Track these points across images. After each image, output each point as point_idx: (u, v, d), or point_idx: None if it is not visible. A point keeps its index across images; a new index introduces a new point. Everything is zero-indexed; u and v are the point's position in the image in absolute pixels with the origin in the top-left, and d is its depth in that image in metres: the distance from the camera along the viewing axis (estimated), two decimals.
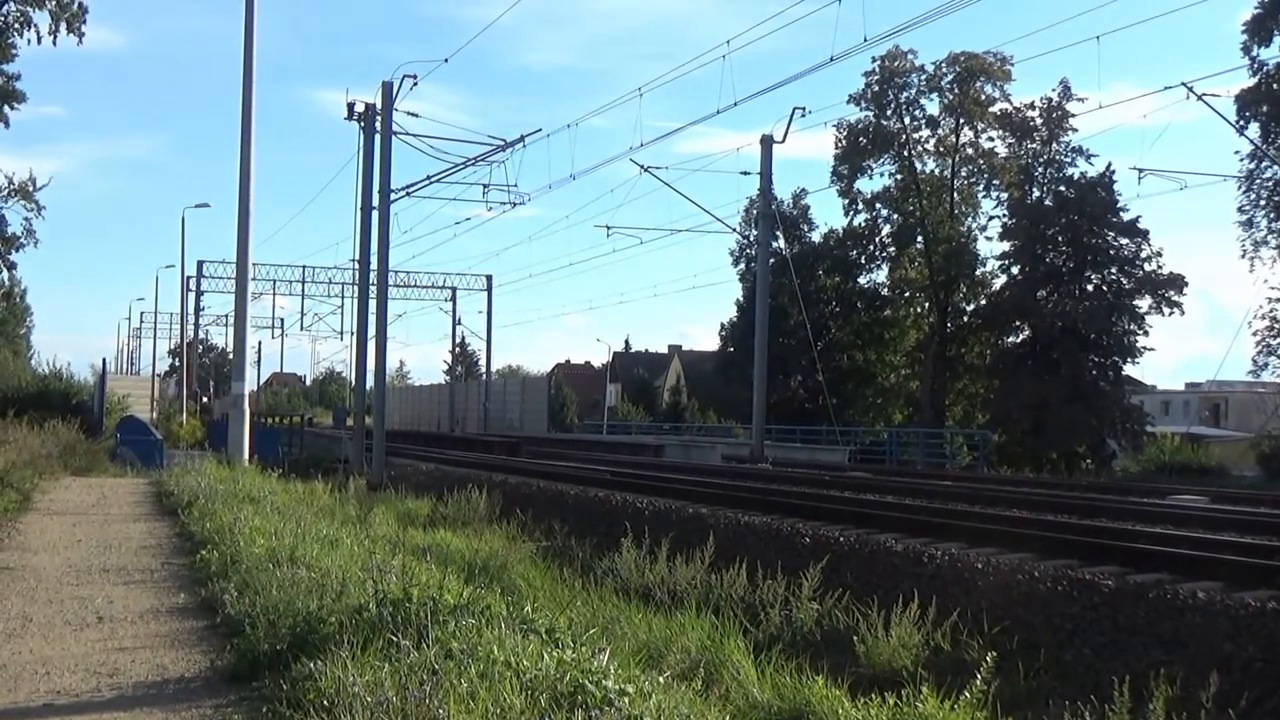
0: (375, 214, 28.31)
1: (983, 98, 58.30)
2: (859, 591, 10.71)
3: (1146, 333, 49.48)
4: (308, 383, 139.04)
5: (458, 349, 78.73)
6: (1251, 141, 42.62)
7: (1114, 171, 49.65)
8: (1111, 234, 49.57)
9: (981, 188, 60.95)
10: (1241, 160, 44.00)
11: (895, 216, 61.99)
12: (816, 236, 64.65)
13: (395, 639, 6.40)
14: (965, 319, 59.70)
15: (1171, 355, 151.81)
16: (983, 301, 58.26)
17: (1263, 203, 44.16)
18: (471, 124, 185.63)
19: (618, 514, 16.76)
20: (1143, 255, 49.66)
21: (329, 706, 5.53)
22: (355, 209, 28.73)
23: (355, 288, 36.31)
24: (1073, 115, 53.57)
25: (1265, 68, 42.04)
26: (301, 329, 78.99)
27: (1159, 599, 9.09)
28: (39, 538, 14.05)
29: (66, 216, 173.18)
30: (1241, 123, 41.94)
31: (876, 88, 59.03)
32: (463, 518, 18.15)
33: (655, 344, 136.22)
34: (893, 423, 60.35)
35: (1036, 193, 54.22)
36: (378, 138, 28.09)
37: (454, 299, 66.48)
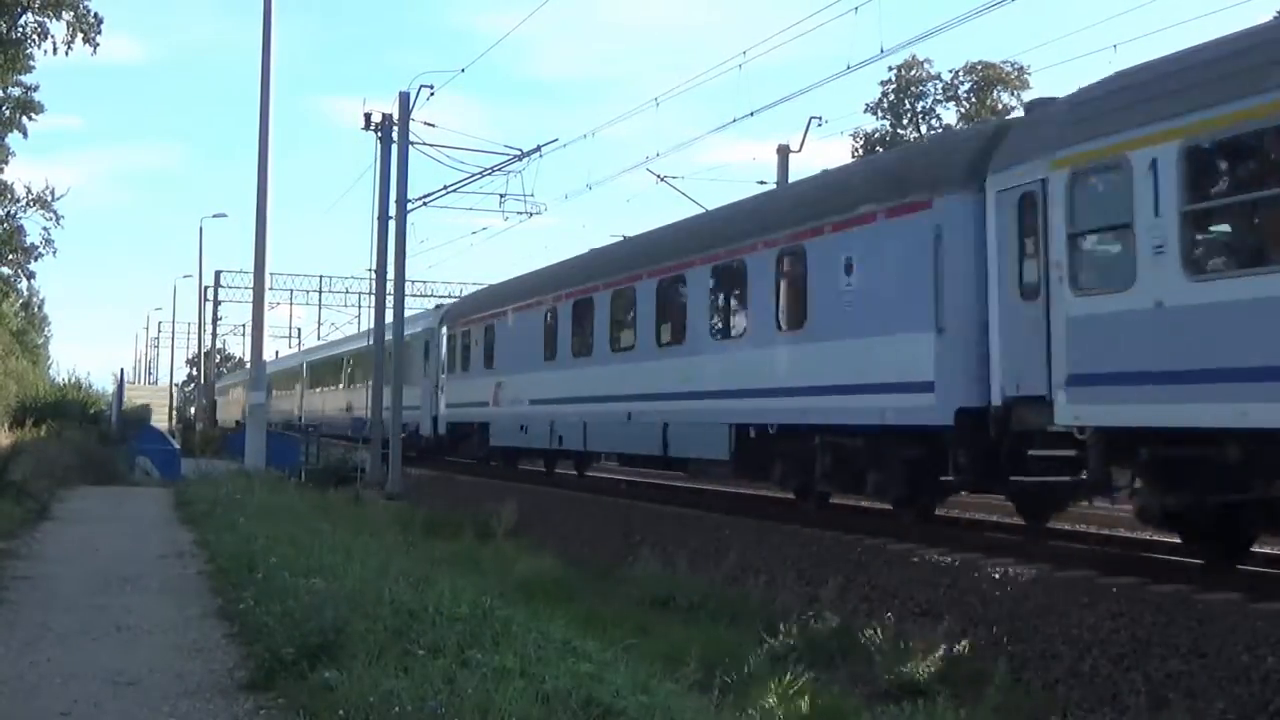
0: (392, 224, 28.38)
1: (1000, 107, 58.08)
2: (878, 601, 10.67)
3: None
4: None
5: None
6: None
7: None
8: None
9: None
10: None
11: None
12: None
13: (412, 649, 6.41)
14: None
15: None
16: None
17: None
18: (488, 134, 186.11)
19: (636, 523, 16.73)
20: None
21: (346, 715, 5.53)
22: (372, 219, 28.81)
23: (372, 297, 36.41)
24: None
25: None
26: (319, 338, 79.07)
27: (1178, 609, 9.02)
28: (57, 547, 14.08)
29: (85, 227, 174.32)
30: None
31: (893, 97, 58.96)
32: (479, 527, 18.16)
33: None
34: None
35: None
36: (394, 148, 28.16)
37: None
